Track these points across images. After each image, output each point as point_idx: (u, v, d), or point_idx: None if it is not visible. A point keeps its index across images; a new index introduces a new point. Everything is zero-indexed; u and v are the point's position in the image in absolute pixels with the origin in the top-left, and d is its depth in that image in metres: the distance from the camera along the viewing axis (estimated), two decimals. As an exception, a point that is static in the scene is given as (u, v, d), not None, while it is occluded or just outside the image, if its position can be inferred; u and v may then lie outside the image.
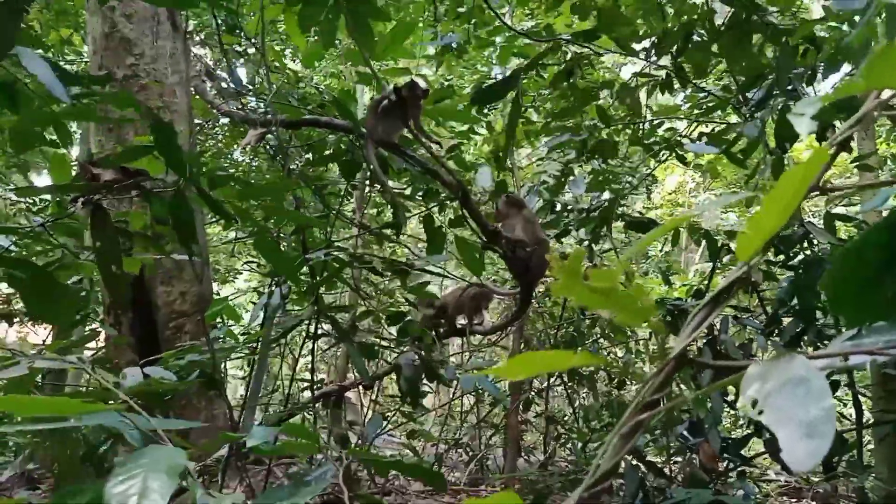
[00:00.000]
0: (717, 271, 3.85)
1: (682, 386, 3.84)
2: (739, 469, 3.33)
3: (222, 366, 3.78)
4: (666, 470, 3.44)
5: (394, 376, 3.42)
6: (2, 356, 2.81)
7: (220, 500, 1.16)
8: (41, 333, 5.65)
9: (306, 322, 2.96)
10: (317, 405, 3.54)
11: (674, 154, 4.22)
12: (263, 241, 2.11)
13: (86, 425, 1.65)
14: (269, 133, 2.92)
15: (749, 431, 3.71)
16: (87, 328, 4.51)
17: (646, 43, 3.61)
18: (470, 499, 0.60)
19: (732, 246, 3.74)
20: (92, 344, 4.49)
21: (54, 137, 2.17)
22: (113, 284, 2.05)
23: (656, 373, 0.78)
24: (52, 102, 1.87)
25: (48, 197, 3.89)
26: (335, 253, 2.81)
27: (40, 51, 1.80)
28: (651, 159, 4.62)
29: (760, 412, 0.65)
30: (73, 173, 2.26)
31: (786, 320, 3.46)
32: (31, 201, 3.90)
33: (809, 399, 0.64)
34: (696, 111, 4.63)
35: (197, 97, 4.52)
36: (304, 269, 2.81)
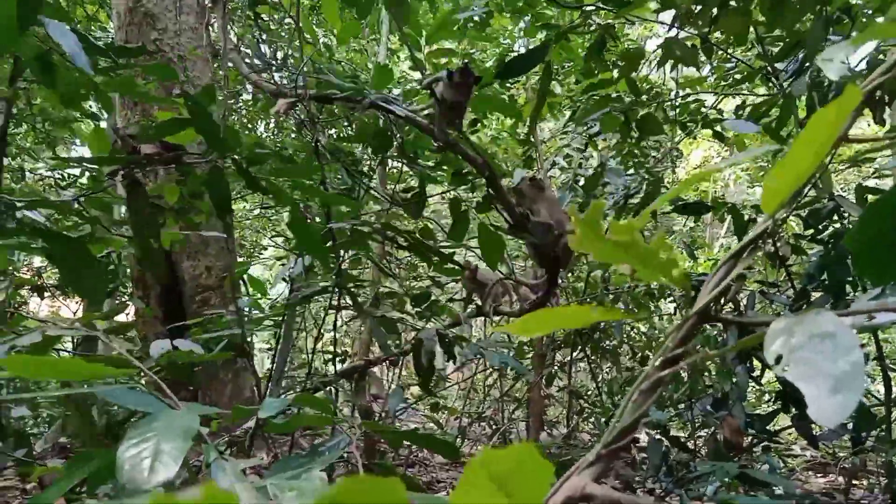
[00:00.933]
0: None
1: (707, 349, 3.81)
2: (764, 444, 3.31)
3: (249, 338, 3.82)
4: (690, 445, 3.43)
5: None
6: (27, 326, 2.87)
7: (235, 464, 1.17)
8: (73, 307, 5.78)
9: (328, 294, 2.97)
10: (336, 379, 3.57)
11: (711, 131, 4.13)
12: (296, 220, 2.12)
13: (106, 397, 1.67)
14: (298, 104, 2.91)
15: (775, 407, 3.68)
16: (116, 301, 4.59)
17: (673, 12, 3.52)
18: (490, 448, 0.59)
19: (759, 220, 3.68)
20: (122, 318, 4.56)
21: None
22: (150, 258, 2.08)
23: (677, 327, 0.77)
24: (89, 78, 1.88)
25: (76, 172, 3.96)
26: (359, 226, 2.81)
27: (60, 22, 1.80)
28: (677, 133, 4.54)
29: (785, 368, 0.64)
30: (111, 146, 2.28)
31: (815, 295, 3.41)
32: (60, 176, 3.96)
33: (837, 352, 0.63)
34: (722, 83, 4.54)
35: (228, 69, 4.55)
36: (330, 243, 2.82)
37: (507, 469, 0.61)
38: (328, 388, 4.45)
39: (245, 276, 3.27)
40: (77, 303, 5.55)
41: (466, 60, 3.55)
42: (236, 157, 2.03)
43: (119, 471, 0.96)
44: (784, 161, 0.68)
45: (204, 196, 2.19)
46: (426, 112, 3.10)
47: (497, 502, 0.64)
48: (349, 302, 2.95)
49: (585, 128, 4.54)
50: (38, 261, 5.03)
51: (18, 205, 2.20)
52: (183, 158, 2.07)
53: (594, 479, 0.71)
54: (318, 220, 3.33)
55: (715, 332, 3.65)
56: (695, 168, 10.34)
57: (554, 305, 5.72)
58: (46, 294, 4.93)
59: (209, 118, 1.93)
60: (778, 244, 3.53)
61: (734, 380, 3.24)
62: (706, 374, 3.76)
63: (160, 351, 2.15)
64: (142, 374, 1.52)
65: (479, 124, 4.04)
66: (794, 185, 0.70)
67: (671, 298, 4.91)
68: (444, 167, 3.69)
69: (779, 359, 0.65)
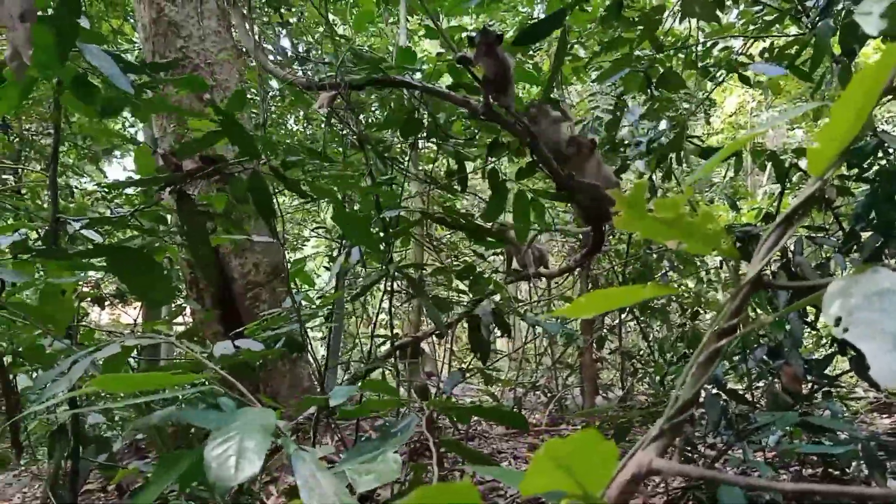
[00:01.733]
0: (787, 192, 3.72)
1: (759, 311, 3.78)
2: (825, 389, 3.27)
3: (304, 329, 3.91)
4: (748, 396, 3.41)
5: (465, 327, 3.47)
6: (98, 338, 3.00)
7: (313, 454, 1.22)
8: (131, 314, 5.99)
9: (381, 280, 3.03)
10: (395, 360, 3.64)
11: (735, 75, 4.04)
12: (340, 213, 2.17)
13: (180, 399, 1.75)
14: (338, 95, 2.94)
15: (832, 350, 3.63)
16: (173, 306, 4.74)
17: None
18: (552, 439, 0.62)
19: (801, 164, 3.61)
20: (179, 319, 4.71)
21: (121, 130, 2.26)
22: (203, 264, 2.16)
23: (731, 298, 0.79)
24: (125, 94, 1.95)
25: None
26: (404, 213, 2.86)
27: (96, 45, 1.86)
28: (708, 82, 4.45)
29: (845, 329, 0.63)
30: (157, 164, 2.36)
31: (864, 235, 3.34)
32: (106, 190, 4.09)
33: (896, 309, 0.61)
34: (751, 27, 4.42)
35: (252, 67, 4.61)
36: (376, 230, 2.86)
37: (573, 453, 0.64)
38: (382, 371, 4.54)
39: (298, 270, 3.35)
40: (135, 309, 5.74)
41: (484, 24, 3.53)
42: (272, 162, 2.10)
43: (207, 469, 1.01)
44: (826, 126, 0.68)
45: (248, 199, 2.25)
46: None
47: (566, 484, 0.67)
48: (403, 286, 3.00)
49: (613, 88, 4.49)
50: (92, 273, 5.21)
51: (77, 225, 2.30)
52: (222, 169, 2.14)
53: (659, 453, 0.74)
54: (357, 208, 3.38)
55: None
56: (729, 116, 10.11)
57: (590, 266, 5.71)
58: (106, 304, 5.11)
59: (239, 127, 1.98)
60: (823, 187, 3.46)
61: (788, 328, 3.21)
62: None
63: (223, 352, 2.24)
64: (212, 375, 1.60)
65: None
66: (840, 146, 0.70)
67: (716, 252, 4.85)
68: (475, 143, 3.69)
69: (838, 321, 0.64)
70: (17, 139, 4.36)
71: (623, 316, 5.65)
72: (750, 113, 10.76)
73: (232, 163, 2.09)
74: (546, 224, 3.58)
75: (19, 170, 4.20)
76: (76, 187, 4.76)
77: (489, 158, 3.51)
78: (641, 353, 6.12)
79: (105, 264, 1.85)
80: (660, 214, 0.78)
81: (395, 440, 1.42)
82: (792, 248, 3.40)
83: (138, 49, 5.62)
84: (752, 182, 10.52)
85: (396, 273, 2.77)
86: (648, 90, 3.78)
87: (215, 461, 1.02)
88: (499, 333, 3.37)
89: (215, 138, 2.04)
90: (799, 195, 0.83)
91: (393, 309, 3.40)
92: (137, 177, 2.27)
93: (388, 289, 2.94)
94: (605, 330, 5.85)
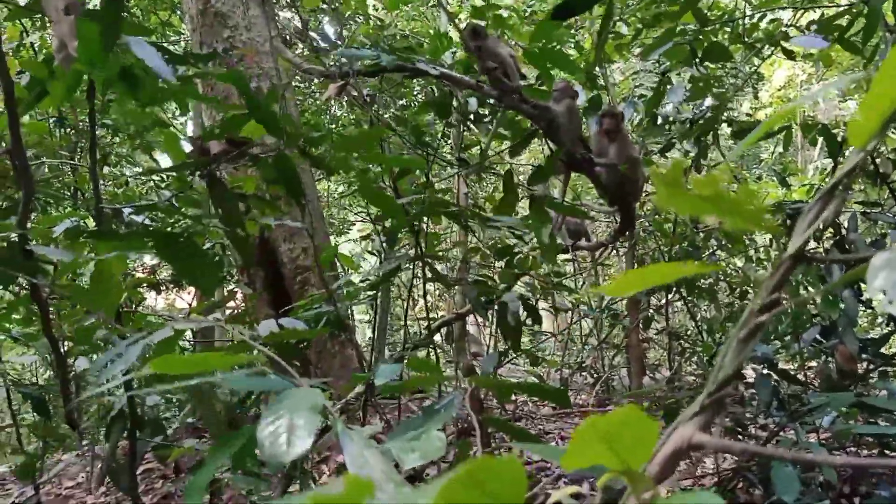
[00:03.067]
0: (840, 166, 3.61)
1: (811, 290, 3.69)
2: (881, 369, 3.19)
3: (349, 311, 3.98)
4: (800, 377, 3.34)
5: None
6: (153, 321, 3.10)
7: (361, 432, 1.25)
8: (186, 298, 6.17)
9: (411, 264, 3.06)
10: (440, 341, 3.68)
11: (780, 49, 3.92)
12: (366, 186, 2.20)
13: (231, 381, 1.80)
14: (348, 84, 2.97)
15: (889, 329, 3.53)
16: (225, 290, 4.86)
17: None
18: (594, 415, 0.63)
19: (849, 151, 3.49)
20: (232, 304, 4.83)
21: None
22: (240, 246, 2.21)
23: (772, 273, 0.78)
24: (168, 86, 2.00)
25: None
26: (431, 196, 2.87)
27: (140, 37, 1.91)
28: (755, 57, 4.33)
29: (891, 302, 0.62)
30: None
31: (922, 210, 3.23)
32: (160, 178, 4.21)
33: (944, 281, 0.61)
34: (803, -3, 4.28)
35: (279, 58, 4.67)
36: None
37: (614, 429, 0.65)
38: (427, 352, 4.59)
39: (336, 254, 3.40)
40: (189, 294, 5.91)
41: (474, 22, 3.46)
42: (296, 140, 2.12)
43: (260, 447, 1.05)
44: (869, 94, 0.66)
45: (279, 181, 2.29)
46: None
47: (607, 459, 0.68)
48: (431, 272, 3.02)
49: (657, 66, 4.40)
50: (147, 259, 5.38)
51: (126, 211, 2.38)
52: (249, 151, 2.18)
53: (700, 428, 0.74)
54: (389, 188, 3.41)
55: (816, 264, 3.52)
56: (778, 90, 9.80)
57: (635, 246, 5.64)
58: (162, 289, 5.28)
59: (264, 108, 2.02)
60: (877, 160, 3.35)
61: (842, 306, 3.13)
62: (811, 303, 3.65)
63: (267, 331, 2.30)
64: (262, 355, 1.65)
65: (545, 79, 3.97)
66: (882, 117, 0.68)
67: (765, 231, 4.74)
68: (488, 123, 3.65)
69: (884, 294, 0.63)
70: (73, 131, 4.51)
71: (670, 296, 5.58)
72: (800, 86, 10.40)
73: (256, 144, 2.13)
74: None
75: (76, 161, 4.35)
76: (131, 177, 4.92)
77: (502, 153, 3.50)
78: (689, 333, 6.04)
79: (153, 249, 1.91)
80: (699, 191, 0.78)
81: (439, 417, 1.44)
82: (846, 224, 3.30)
83: (186, 41, 5.73)
84: (802, 158, 10.19)
85: (423, 258, 2.79)
86: (693, 65, 3.68)
87: (268, 439, 1.05)
88: (534, 324, 3.37)
89: (242, 121, 2.07)
90: (842, 167, 0.81)
91: (432, 292, 3.43)
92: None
93: (420, 273, 2.96)
94: (651, 310, 5.79)
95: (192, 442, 3.20)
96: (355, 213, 8.38)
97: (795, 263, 0.78)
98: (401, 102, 5.02)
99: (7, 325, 2.06)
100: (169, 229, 2.76)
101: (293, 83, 4.96)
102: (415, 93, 5.06)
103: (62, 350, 2.06)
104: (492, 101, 3.10)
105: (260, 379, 1.45)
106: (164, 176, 4.04)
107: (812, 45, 3.70)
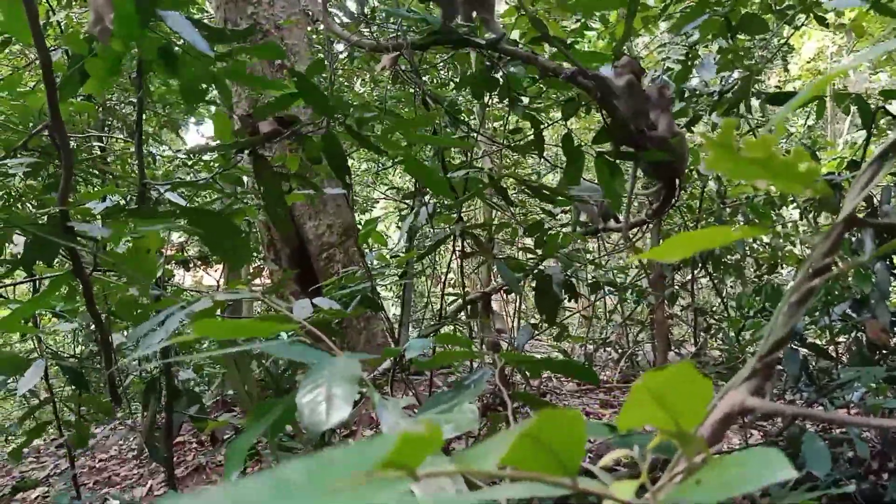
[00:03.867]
0: (873, 138, 3.54)
1: (840, 263, 3.65)
2: (913, 342, 3.16)
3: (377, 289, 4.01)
4: (830, 351, 3.32)
5: (533, 286, 3.47)
6: (185, 298, 3.14)
7: (397, 402, 1.27)
8: (213, 275, 6.25)
9: (450, 239, 3.06)
10: (466, 317, 3.70)
11: (811, 16, 3.83)
12: (411, 163, 2.20)
13: (273, 353, 1.83)
14: (401, 55, 2.94)
15: (922, 303, 3.49)
16: (252, 266, 4.92)
17: None
18: (648, 372, 0.63)
19: (889, 108, 3.42)
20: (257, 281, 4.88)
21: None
22: (279, 224, 2.24)
23: (826, 236, 0.78)
24: (208, 63, 2.00)
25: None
26: (474, 173, 2.86)
27: (176, 12, 1.91)
28: (785, 27, 4.24)
29: None
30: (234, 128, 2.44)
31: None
32: (186, 156, 4.24)
33: None
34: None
35: (320, 31, 4.65)
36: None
37: (668, 387, 0.65)
38: (453, 328, 4.61)
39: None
40: (216, 271, 5.99)
41: None
42: (346, 121, 2.13)
43: (300, 415, 1.07)
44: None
45: (322, 161, 2.30)
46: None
47: (660, 419, 0.69)
48: (471, 245, 3.02)
49: (684, 38, 4.32)
50: (175, 236, 5.44)
51: (163, 189, 2.41)
52: (299, 130, 2.19)
53: (752, 392, 0.75)
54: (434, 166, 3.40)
55: (848, 235, 3.48)
56: (808, 62, 9.60)
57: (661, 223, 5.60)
58: (190, 266, 5.35)
59: (314, 88, 2.02)
60: (914, 132, 3.29)
61: (874, 280, 3.09)
62: (842, 277, 3.61)
63: (302, 309, 2.33)
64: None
65: (575, 43, 3.89)
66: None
67: (794, 205, 4.69)
68: (540, 100, 3.60)
69: None
70: (101, 109, 4.56)
71: (696, 272, 5.54)
72: (830, 58, 10.18)
73: (307, 123, 2.14)
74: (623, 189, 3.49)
75: (104, 138, 4.40)
76: (159, 155, 4.96)
77: (563, 120, 3.43)
78: (715, 309, 6.01)
79: (189, 226, 1.93)
80: (750, 153, 0.77)
81: (470, 392, 1.45)
82: (878, 196, 3.25)
83: (210, 18, 5.75)
84: (831, 131, 9.99)
85: (464, 233, 2.79)
86: (723, 35, 3.61)
87: (307, 407, 1.07)
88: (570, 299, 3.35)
89: (290, 100, 2.08)
90: (885, 141, 0.81)
91: (462, 268, 3.44)
92: (216, 142, 2.35)
93: (458, 248, 2.97)
94: (676, 287, 5.76)
95: (229, 416, 3.26)
96: (378, 191, 8.40)
97: (848, 227, 0.78)
98: (442, 75, 4.98)
99: (51, 301, 2.10)
100: (206, 207, 2.79)
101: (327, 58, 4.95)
102: (438, 69, 5.03)
103: (102, 320, 2.10)
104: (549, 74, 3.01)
105: (298, 347, 1.47)
106: (190, 155, 4.07)
107: (845, 6, 3.59)
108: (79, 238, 1.86)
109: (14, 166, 2.29)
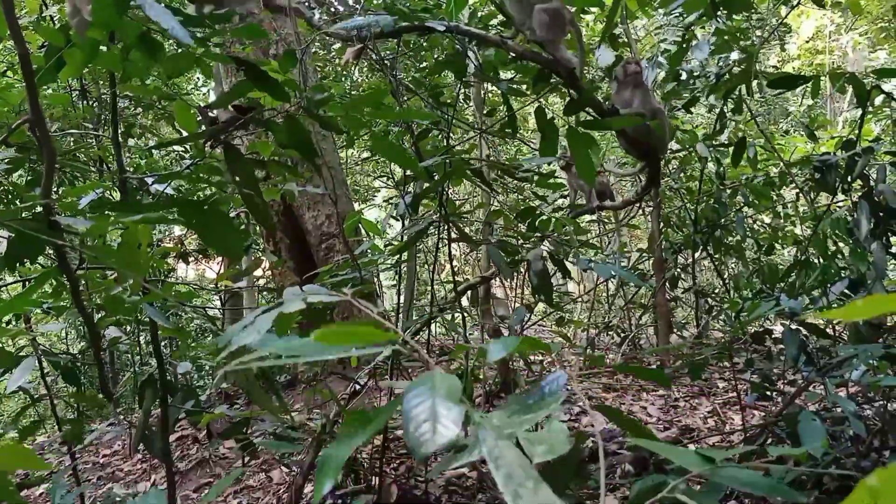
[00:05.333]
0: (868, 117, 3.50)
1: (839, 243, 3.63)
2: (912, 320, 3.14)
3: (375, 277, 4.00)
4: (829, 331, 3.30)
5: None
6: (185, 291, 3.15)
7: (490, 419, 1.10)
8: (214, 268, 6.27)
9: (436, 227, 3.05)
10: (466, 304, 3.69)
11: (809, -5, 3.79)
12: (379, 141, 2.19)
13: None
14: (366, 47, 2.93)
15: (920, 281, 3.46)
16: (251, 258, 4.92)
17: None
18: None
19: (884, 87, 3.39)
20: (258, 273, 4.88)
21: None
22: (258, 213, 2.22)
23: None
24: (188, 51, 1.99)
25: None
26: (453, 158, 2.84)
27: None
28: (782, 6, 4.20)
29: None
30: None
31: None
32: (183, 148, 4.25)
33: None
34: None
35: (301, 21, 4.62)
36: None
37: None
38: (453, 315, 4.61)
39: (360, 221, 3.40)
40: (217, 264, 6.00)
41: None
42: (302, 103, 2.12)
43: (405, 431, 0.95)
44: None
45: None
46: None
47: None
48: (456, 233, 3.01)
49: (680, 19, 4.28)
50: (177, 230, 5.46)
51: (149, 181, 2.40)
52: (256, 117, 2.18)
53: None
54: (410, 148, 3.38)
55: (845, 215, 3.46)
56: (806, 41, 9.47)
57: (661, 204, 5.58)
58: (191, 259, 5.36)
59: (264, 74, 2.00)
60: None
61: (870, 259, 3.07)
62: (839, 256, 3.59)
63: (293, 297, 2.32)
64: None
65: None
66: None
67: (793, 185, 4.66)
68: (522, 78, 3.55)
69: None
70: (96, 103, 4.55)
71: (697, 255, 5.53)
72: (828, 37, 10.04)
73: (267, 109, 2.13)
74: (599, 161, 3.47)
75: (99, 133, 4.40)
76: (153, 148, 4.96)
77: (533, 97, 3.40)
78: (716, 290, 5.99)
79: (178, 217, 1.92)
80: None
81: (546, 403, 1.23)
82: (874, 175, 3.22)
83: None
84: (832, 109, 9.88)
85: (446, 219, 2.78)
86: (709, 14, 3.57)
87: (412, 423, 0.95)
88: (565, 280, 3.34)
89: (247, 88, 2.07)
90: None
91: (458, 256, 3.42)
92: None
93: (446, 236, 2.95)
94: (678, 269, 5.75)
95: (223, 408, 3.27)
96: (378, 179, 8.38)
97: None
98: (423, 65, 4.96)
99: (37, 298, 2.09)
100: (193, 198, 2.78)
101: (313, 49, 4.93)
102: (434, 56, 5.01)
103: (92, 318, 2.10)
104: (514, 55, 3.00)
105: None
106: (188, 146, 4.07)
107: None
108: (64, 233, 1.85)
109: (-6, 162, 2.28)
